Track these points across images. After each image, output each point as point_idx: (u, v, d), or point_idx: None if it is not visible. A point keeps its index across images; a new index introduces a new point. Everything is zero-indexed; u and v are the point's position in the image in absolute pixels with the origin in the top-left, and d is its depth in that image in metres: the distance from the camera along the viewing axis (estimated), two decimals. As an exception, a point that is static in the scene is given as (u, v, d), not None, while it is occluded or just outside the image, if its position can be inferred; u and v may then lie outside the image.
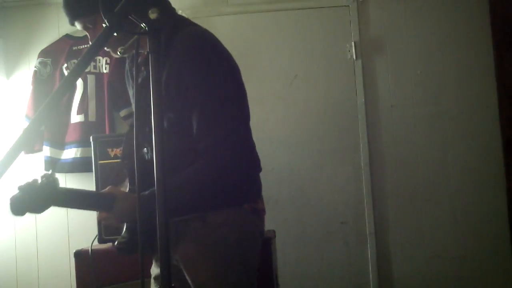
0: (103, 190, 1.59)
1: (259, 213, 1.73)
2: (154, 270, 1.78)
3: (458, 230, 3.29)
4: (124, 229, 1.59)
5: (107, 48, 1.66)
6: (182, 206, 1.57)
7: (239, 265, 1.63)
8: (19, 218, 1.48)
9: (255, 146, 1.72)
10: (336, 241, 3.32)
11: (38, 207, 1.44)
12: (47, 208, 1.46)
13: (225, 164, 1.56)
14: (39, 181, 1.44)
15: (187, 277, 1.64)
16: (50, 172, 1.47)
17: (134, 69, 1.72)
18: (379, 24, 3.41)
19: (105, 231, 2.65)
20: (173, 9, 1.70)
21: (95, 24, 1.65)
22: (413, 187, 3.32)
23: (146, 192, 1.49)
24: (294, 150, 3.36)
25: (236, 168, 1.59)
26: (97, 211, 1.59)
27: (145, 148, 1.69)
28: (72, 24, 1.72)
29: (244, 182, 1.67)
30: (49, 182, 1.44)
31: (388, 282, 3.30)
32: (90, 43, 1.74)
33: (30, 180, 1.45)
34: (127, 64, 1.86)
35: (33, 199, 1.42)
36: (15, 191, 1.44)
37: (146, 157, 1.69)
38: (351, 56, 3.36)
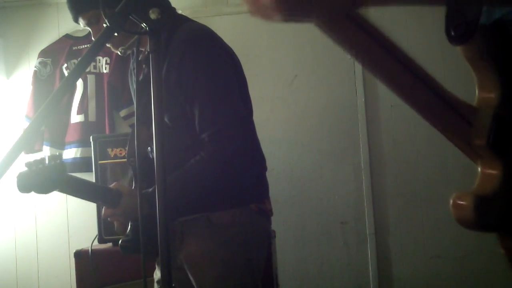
0: (110, 186, 1.59)
1: (266, 213, 1.70)
2: (157, 273, 1.75)
3: (458, 230, 3.22)
4: (129, 228, 1.59)
5: (108, 43, 1.64)
6: (188, 200, 1.56)
7: (244, 266, 1.62)
8: (25, 195, 1.46)
9: (259, 143, 1.71)
10: (336, 241, 3.32)
11: (44, 187, 1.44)
12: (52, 191, 1.46)
13: (231, 153, 1.53)
14: (47, 161, 1.43)
15: (191, 278, 1.63)
16: (57, 154, 1.47)
17: (135, 68, 1.71)
18: (379, 24, 3.40)
19: (105, 231, 2.65)
20: (173, 9, 1.69)
21: (99, 20, 1.64)
22: (413, 187, 3.32)
23: (150, 190, 1.47)
24: (294, 150, 3.36)
25: (243, 159, 1.56)
26: (102, 205, 1.58)
27: (149, 147, 1.67)
28: (76, 21, 1.71)
29: (251, 179, 1.65)
30: (57, 165, 1.43)
31: (388, 282, 3.30)
32: (93, 39, 1.74)
33: (38, 158, 1.44)
34: (131, 63, 1.84)
35: (40, 179, 1.42)
36: (22, 167, 1.43)
37: (151, 155, 1.67)
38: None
